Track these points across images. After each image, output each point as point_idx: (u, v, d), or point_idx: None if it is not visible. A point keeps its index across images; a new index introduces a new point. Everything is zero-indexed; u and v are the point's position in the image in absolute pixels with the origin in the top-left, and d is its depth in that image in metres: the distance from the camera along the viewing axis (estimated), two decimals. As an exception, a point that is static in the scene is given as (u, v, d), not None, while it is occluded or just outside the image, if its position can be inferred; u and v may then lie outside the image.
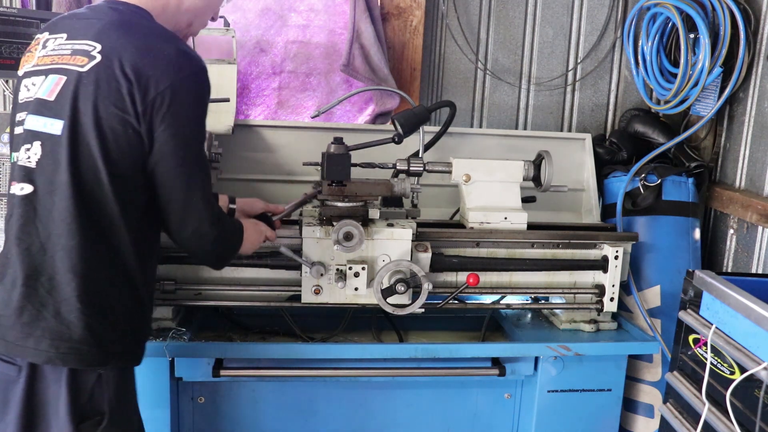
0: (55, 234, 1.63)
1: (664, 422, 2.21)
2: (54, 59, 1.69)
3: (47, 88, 1.66)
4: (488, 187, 2.53)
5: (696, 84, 2.82)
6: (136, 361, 1.80)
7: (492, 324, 2.80)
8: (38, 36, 1.80)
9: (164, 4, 1.80)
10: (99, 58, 1.63)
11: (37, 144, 1.65)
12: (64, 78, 1.65)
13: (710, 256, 3.08)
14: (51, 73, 1.68)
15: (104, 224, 1.66)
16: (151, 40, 1.67)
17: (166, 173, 1.67)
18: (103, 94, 1.61)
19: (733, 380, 1.82)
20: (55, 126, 1.63)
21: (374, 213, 2.33)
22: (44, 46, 1.74)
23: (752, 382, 1.76)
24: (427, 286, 2.26)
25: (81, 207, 1.62)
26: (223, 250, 1.90)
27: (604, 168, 3.06)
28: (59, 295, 1.63)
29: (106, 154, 1.62)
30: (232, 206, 2.21)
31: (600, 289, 2.58)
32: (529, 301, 2.78)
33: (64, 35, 1.72)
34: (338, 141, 2.28)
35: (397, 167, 2.49)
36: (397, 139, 2.55)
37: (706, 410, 1.93)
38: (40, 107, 1.66)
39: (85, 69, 1.62)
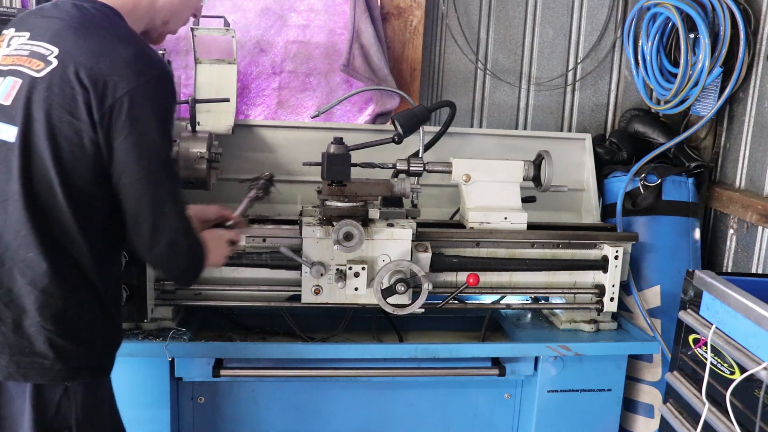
0: (12, 246, 1.56)
1: (664, 422, 2.21)
2: (14, 60, 1.61)
3: (3, 91, 1.58)
4: (488, 187, 2.53)
5: (696, 84, 2.82)
6: (104, 373, 1.73)
7: (492, 324, 2.80)
8: (5, 32, 1.70)
9: (135, 2, 1.72)
10: (55, 63, 1.55)
11: None
12: (20, 81, 1.57)
13: (710, 256, 3.08)
14: (9, 75, 1.59)
15: (61, 236, 1.58)
16: (109, 43, 1.58)
17: (131, 185, 1.58)
18: (58, 102, 1.53)
19: (733, 380, 1.82)
20: (9, 132, 1.55)
21: (374, 213, 2.33)
22: (8, 44, 1.66)
23: (752, 382, 1.76)
24: (427, 286, 2.26)
25: (35, 218, 1.55)
26: (196, 263, 1.77)
27: (604, 168, 3.06)
28: (18, 308, 1.57)
29: (60, 164, 1.54)
30: None
31: (600, 289, 2.58)
32: (529, 301, 2.78)
33: (28, 34, 1.64)
34: (338, 141, 2.28)
35: (397, 167, 2.49)
36: (397, 139, 2.55)
37: (706, 410, 1.93)
38: None
39: (41, 74, 1.55)
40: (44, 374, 1.59)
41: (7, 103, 1.57)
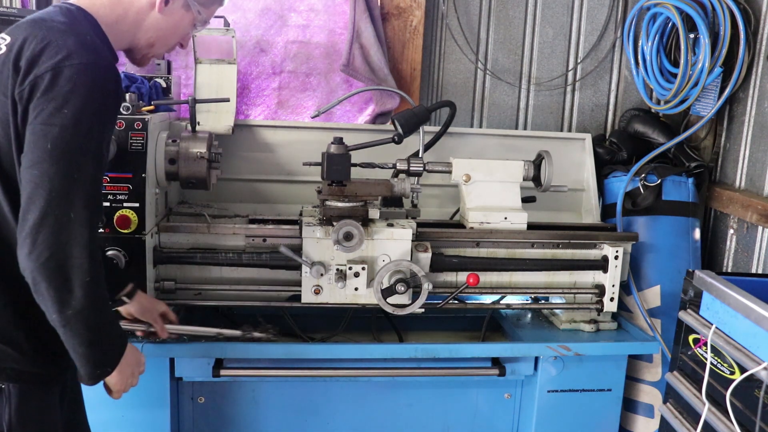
0: None
1: (664, 422, 2.21)
2: None
3: None
4: (488, 187, 2.53)
5: (696, 84, 2.82)
6: (41, 382, 1.63)
7: (492, 324, 2.80)
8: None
9: (119, 16, 1.70)
10: (3, 50, 1.52)
11: None
12: None
13: (710, 256, 3.08)
14: None
15: (2, 229, 1.50)
16: (57, 33, 1.51)
17: (24, 171, 1.43)
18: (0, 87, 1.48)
19: (733, 380, 1.82)
20: None
21: (374, 213, 2.33)
22: None
23: (752, 382, 1.76)
24: (427, 286, 2.26)
25: None
26: (90, 309, 1.48)
27: (604, 168, 3.06)
28: None
29: None
30: (124, 298, 2.01)
31: (600, 289, 2.58)
32: (529, 301, 2.78)
33: (8, 38, 1.60)
34: (338, 141, 2.28)
35: (397, 167, 2.49)
36: (397, 139, 2.55)
37: (706, 410, 1.93)
38: None
39: None
40: None
41: None
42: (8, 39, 1.55)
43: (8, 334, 1.58)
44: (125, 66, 2.92)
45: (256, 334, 2.31)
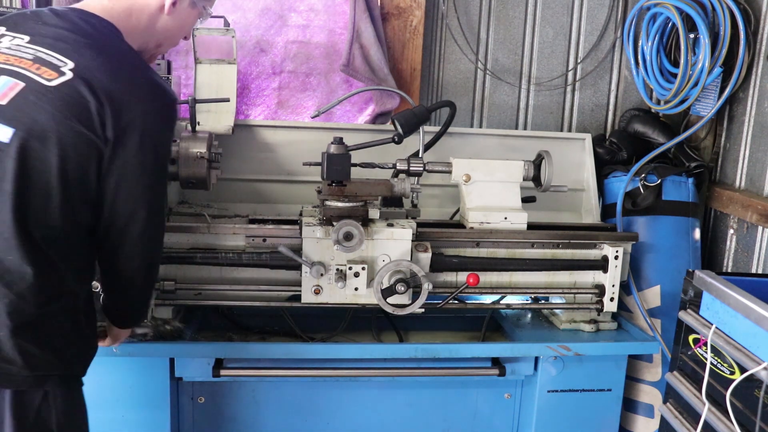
0: None
1: (664, 422, 2.21)
2: (9, 59, 1.60)
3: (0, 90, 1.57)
4: (488, 187, 2.53)
5: (696, 84, 2.82)
6: (76, 382, 1.74)
7: (492, 324, 2.80)
8: None
9: (135, 25, 1.77)
10: (70, 75, 1.57)
11: None
12: (22, 85, 1.56)
13: (710, 256, 3.08)
14: (4, 74, 1.58)
15: (45, 240, 1.58)
16: (126, 66, 1.67)
17: (127, 199, 1.67)
18: (71, 114, 1.55)
19: (733, 380, 1.82)
20: (2, 132, 1.54)
21: (374, 213, 2.33)
22: None
23: (752, 382, 1.76)
24: (427, 286, 2.26)
25: (22, 221, 1.54)
26: (148, 299, 1.95)
27: (604, 168, 3.06)
28: None
29: (63, 171, 1.56)
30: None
31: (600, 289, 2.58)
32: (529, 301, 2.78)
33: (26, 37, 1.64)
34: (338, 141, 2.28)
35: (397, 167, 2.49)
36: (397, 139, 2.55)
37: (706, 410, 1.93)
38: None
39: (53, 84, 1.56)
40: (11, 380, 1.58)
41: (3, 102, 1.56)
42: (70, 63, 1.59)
43: (48, 340, 1.63)
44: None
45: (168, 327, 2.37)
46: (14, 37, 1.64)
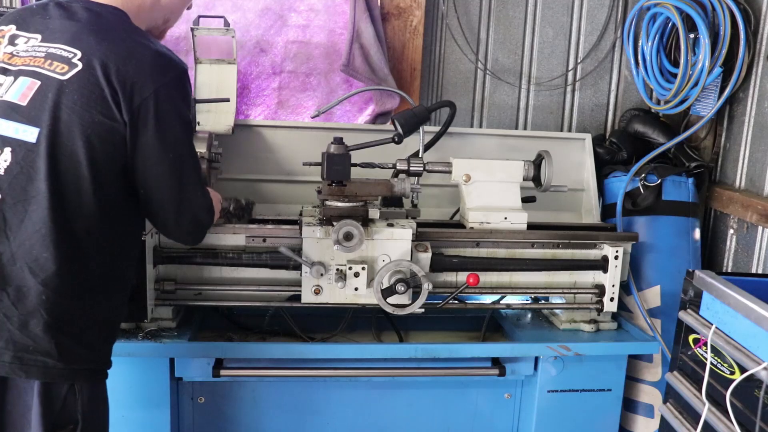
0: (26, 244, 1.57)
1: (664, 422, 2.21)
2: (26, 61, 1.64)
3: (18, 91, 1.60)
4: (488, 187, 2.53)
5: (696, 84, 2.82)
6: (104, 374, 1.77)
7: (492, 324, 2.79)
8: (3, 28, 1.72)
9: (140, 4, 1.79)
10: (80, 65, 1.60)
11: (7, 150, 1.58)
12: (38, 83, 1.60)
13: (710, 256, 3.08)
14: (22, 75, 1.62)
15: (81, 236, 1.62)
16: (131, 45, 1.67)
17: (158, 177, 1.69)
18: (89, 103, 1.59)
19: (733, 380, 1.82)
20: (28, 133, 1.57)
21: (374, 213, 2.33)
22: (12, 43, 1.68)
23: (752, 382, 1.76)
24: (427, 286, 2.26)
25: (58, 217, 1.58)
26: (206, 228, 1.95)
27: (604, 168, 3.06)
28: (26, 307, 1.58)
29: (93, 162, 1.60)
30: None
31: (600, 289, 2.58)
32: (529, 301, 2.78)
33: (38, 36, 1.67)
34: (338, 141, 2.28)
35: (397, 167, 2.49)
36: (397, 139, 2.55)
37: (706, 410, 1.93)
38: (10, 111, 1.59)
39: (67, 77, 1.59)
40: (46, 373, 1.61)
41: (23, 103, 1.59)
42: (78, 53, 1.62)
43: (83, 334, 1.67)
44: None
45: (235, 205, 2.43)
46: (29, 38, 1.68)
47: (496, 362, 2.50)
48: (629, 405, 2.85)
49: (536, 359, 2.52)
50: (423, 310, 2.33)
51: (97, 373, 1.74)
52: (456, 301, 2.52)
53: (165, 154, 1.68)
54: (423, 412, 2.59)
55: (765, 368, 1.69)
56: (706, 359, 1.96)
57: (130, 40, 1.68)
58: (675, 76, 2.90)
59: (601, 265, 2.56)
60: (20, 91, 1.60)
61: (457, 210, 2.68)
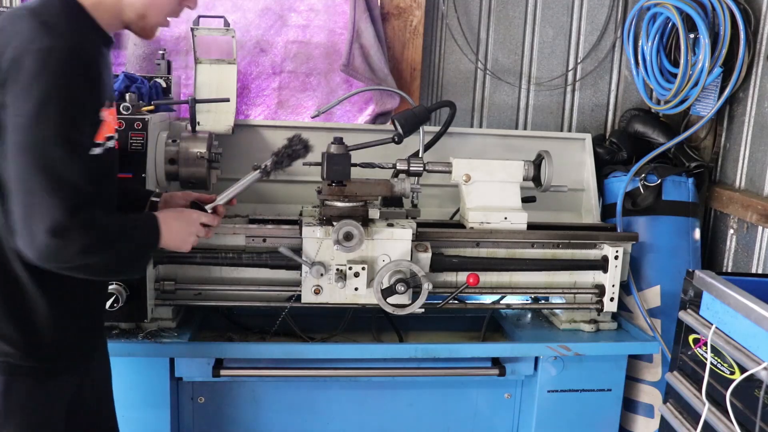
0: None
1: (664, 422, 2.21)
2: None
3: None
4: (488, 187, 2.53)
5: (696, 84, 2.82)
6: (46, 376, 1.63)
7: (492, 324, 2.79)
8: None
9: None
10: None
11: None
12: None
13: (710, 256, 3.08)
14: None
15: None
16: (17, 18, 1.51)
17: (9, 162, 1.45)
18: None
19: (733, 380, 1.82)
20: None
21: (374, 213, 2.33)
22: None
23: (752, 382, 1.76)
24: (427, 286, 2.26)
25: None
26: (113, 248, 1.57)
27: (604, 168, 3.06)
28: None
29: None
30: (154, 199, 1.99)
31: (600, 289, 2.58)
32: (529, 301, 2.78)
33: None
34: (338, 141, 2.28)
35: (397, 167, 2.49)
36: (397, 139, 2.55)
37: (706, 410, 1.92)
38: None
39: None
40: None
41: None
42: None
43: (8, 330, 1.58)
44: (125, 66, 2.92)
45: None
46: None
47: (496, 362, 2.50)
48: (629, 405, 2.85)
49: (536, 359, 2.52)
50: (423, 310, 2.33)
51: (35, 373, 1.61)
52: (456, 301, 2.52)
53: (16, 133, 1.45)
54: (423, 412, 2.59)
55: (765, 368, 1.69)
56: (706, 359, 1.96)
57: (31, 16, 1.51)
58: (675, 76, 2.91)
59: (601, 265, 2.56)
60: None
61: (457, 210, 2.68)
